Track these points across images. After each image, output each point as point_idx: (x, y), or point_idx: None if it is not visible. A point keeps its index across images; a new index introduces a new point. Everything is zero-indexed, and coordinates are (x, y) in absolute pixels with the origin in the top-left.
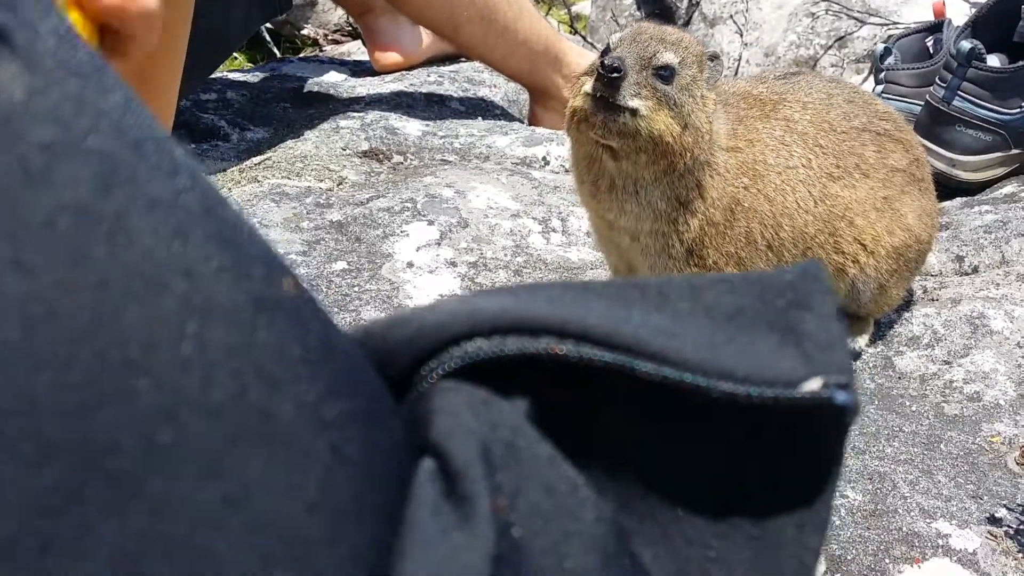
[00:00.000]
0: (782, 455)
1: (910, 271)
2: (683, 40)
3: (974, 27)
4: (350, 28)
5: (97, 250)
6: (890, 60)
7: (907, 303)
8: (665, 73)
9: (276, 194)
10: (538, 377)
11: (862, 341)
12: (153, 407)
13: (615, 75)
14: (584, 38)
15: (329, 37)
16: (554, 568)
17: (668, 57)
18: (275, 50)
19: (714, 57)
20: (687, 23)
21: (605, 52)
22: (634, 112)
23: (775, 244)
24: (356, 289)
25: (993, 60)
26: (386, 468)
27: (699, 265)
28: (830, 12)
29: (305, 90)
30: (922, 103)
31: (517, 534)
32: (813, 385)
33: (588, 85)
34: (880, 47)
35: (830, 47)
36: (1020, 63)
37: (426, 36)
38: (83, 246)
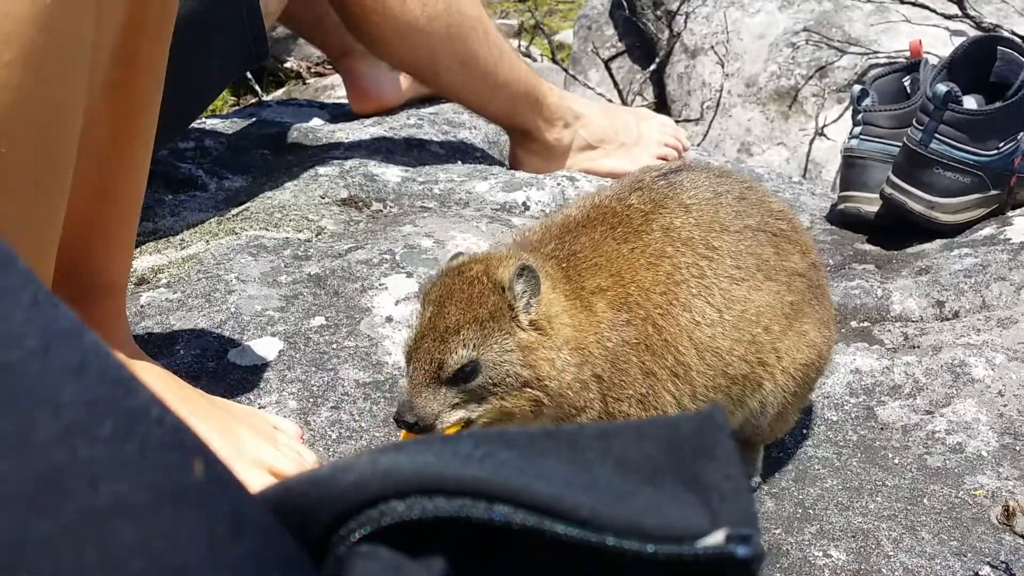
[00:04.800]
0: None
1: (809, 390)
2: (472, 294)
3: (950, 68)
4: None
5: None
6: (867, 101)
7: (889, 351)
8: (467, 370)
9: (254, 247)
10: (455, 533)
11: (756, 477)
12: None
13: (415, 428)
14: (566, 69)
15: (312, 70)
16: None
17: (458, 356)
18: (257, 87)
19: (522, 272)
20: (668, 54)
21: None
22: (461, 425)
23: (679, 370)
24: (334, 346)
25: (970, 101)
26: None
27: (611, 414)
28: (811, 42)
29: (284, 136)
30: (899, 144)
31: None
32: (716, 538)
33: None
34: (857, 88)
35: (811, 77)
36: (997, 104)
37: (405, 79)
38: None
